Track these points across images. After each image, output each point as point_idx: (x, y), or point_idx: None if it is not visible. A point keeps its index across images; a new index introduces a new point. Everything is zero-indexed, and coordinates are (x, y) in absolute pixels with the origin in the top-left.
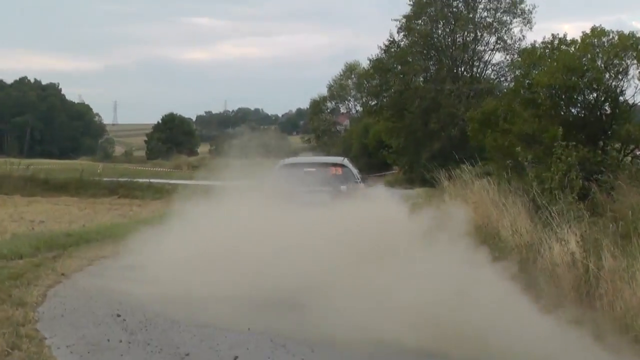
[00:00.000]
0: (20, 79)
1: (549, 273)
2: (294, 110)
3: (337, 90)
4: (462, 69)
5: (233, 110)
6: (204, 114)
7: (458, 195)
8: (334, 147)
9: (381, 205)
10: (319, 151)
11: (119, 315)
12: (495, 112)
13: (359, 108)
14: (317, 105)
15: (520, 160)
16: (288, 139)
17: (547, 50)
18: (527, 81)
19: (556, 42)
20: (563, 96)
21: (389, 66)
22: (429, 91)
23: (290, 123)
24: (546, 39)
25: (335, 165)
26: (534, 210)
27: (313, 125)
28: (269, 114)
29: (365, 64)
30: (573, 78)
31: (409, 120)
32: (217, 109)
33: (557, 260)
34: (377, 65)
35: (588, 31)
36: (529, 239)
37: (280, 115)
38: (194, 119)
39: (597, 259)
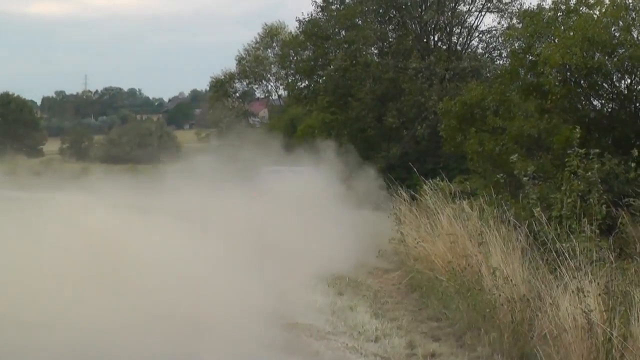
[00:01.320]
0: None
1: (552, 341)
2: (186, 93)
3: (251, 66)
4: (436, 39)
5: (97, 91)
6: (54, 96)
7: (423, 224)
8: (242, 148)
9: None
10: (223, 152)
11: None
12: (482, 103)
13: (282, 92)
14: (220, 87)
15: (517, 174)
16: (175, 136)
17: (559, 14)
18: (530, 58)
19: (573, 1)
20: (582, 82)
21: (327, 31)
22: (386, 70)
23: (182, 111)
24: None
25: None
26: (534, 248)
27: (214, 116)
28: (151, 97)
29: (292, 26)
30: (597, 56)
31: (356, 112)
32: (73, 88)
33: (564, 323)
34: (311, 29)
35: None
36: (525, 290)
37: (167, 99)
38: (38, 103)
39: (624, 322)
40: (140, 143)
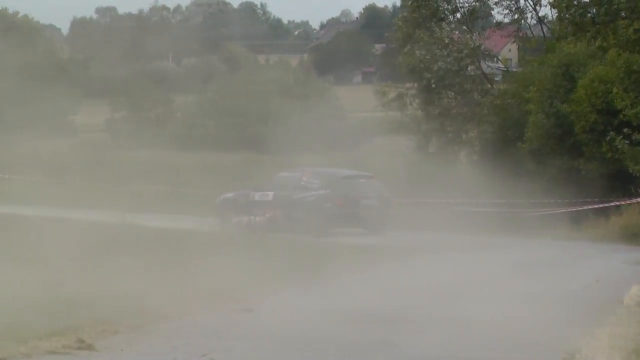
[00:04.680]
0: None
1: None
2: (355, 13)
3: None
4: None
5: (179, 6)
6: (83, 16)
7: None
8: (480, 123)
9: None
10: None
11: None
12: None
13: (547, 12)
14: (424, 2)
15: None
16: (337, 97)
17: None
18: None
19: None
20: None
21: None
22: None
23: (347, 49)
24: None
25: (371, 177)
26: None
27: (412, 59)
28: (286, 20)
29: None
30: None
31: None
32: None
33: None
34: None
35: None
36: None
37: (317, 26)
38: (63, 30)
39: None
40: (263, 110)
